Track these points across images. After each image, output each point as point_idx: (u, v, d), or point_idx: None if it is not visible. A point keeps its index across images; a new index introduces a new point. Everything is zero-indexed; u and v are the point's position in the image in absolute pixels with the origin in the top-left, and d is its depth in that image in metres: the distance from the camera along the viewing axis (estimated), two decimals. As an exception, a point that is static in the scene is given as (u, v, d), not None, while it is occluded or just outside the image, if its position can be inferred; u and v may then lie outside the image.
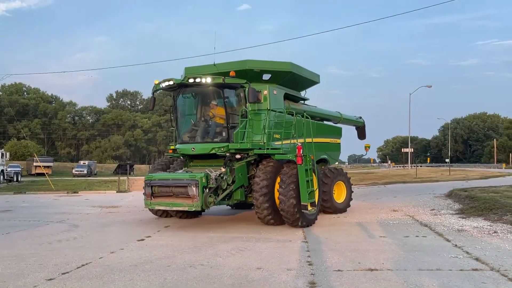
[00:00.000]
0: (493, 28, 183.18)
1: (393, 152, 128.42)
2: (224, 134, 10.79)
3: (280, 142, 11.08)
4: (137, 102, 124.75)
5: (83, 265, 6.82)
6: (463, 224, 10.34)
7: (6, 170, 36.33)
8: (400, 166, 78.38)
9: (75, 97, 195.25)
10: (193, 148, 10.97)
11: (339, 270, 6.32)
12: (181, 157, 11.92)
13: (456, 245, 8.00)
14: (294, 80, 12.56)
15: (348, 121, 17.13)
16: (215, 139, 10.89)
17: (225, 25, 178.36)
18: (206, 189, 9.82)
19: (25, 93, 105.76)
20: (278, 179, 10.53)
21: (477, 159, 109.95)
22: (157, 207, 10.87)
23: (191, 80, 10.48)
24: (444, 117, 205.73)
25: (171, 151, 12.02)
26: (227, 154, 10.66)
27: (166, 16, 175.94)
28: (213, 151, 10.62)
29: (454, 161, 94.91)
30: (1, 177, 34.38)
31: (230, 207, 14.25)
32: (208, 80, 10.39)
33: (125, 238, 9.42)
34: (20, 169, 40.47)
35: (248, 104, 10.94)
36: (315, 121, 13.81)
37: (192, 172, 10.50)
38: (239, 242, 8.68)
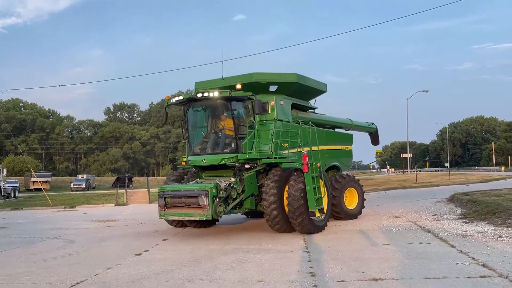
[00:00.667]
0: (488, 32, 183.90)
1: (392, 157, 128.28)
2: (233, 145, 11.06)
3: (287, 151, 11.25)
4: (135, 115, 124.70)
5: (77, 283, 6.60)
6: (466, 229, 10.15)
7: (4, 186, 35.99)
8: (399, 172, 78.21)
9: (73, 111, 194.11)
10: (204, 160, 11.22)
11: (342, 281, 6.12)
12: (194, 169, 12.14)
13: (461, 251, 7.80)
14: (300, 90, 12.71)
15: (359, 127, 17.28)
16: (225, 150, 11.14)
17: (221, 35, 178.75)
18: (216, 199, 10.06)
19: (22, 109, 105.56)
20: (287, 187, 10.68)
21: (476, 162, 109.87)
22: (170, 218, 11.15)
23: (199, 95, 10.89)
24: (441, 122, 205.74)
25: (184, 163, 12.17)
26: (237, 164, 10.91)
27: (162, 29, 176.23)
28: (223, 162, 10.90)
29: (453, 165, 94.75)
30: (-2, 193, 34.06)
31: (245, 216, 14.43)
32: (215, 93, 10.78)
33: (123, 253, 9.19)
34: (17, 185, 40.16)
35: (256, 115, 11.18)
36: (325, 129, 14.06)
37: (203, 182, 10.76)
38: (239, 254, 8.47)
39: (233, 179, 10.64)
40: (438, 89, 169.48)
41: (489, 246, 8.07)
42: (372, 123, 18.06)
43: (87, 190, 51.44)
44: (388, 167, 77.74)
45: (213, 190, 9.97)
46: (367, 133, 18.22)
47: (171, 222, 12.54)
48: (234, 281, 6.41)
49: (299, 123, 11.92)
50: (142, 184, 64.15)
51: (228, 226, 13.06)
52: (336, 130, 15.48)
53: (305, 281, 6.23)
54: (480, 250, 7.76)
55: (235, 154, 10.82)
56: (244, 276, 6.68)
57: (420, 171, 67.02)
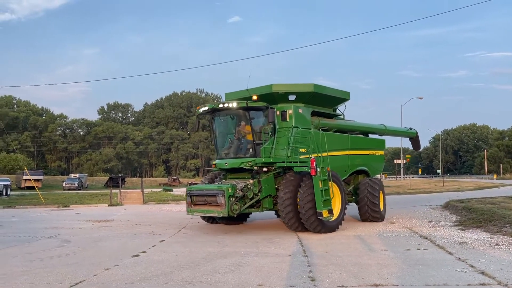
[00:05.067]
0: (482, 40, 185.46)
1: (385, 163, 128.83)
2: (251, 150, 12.16)
3: (307, 156, 11.80)
4: (129, 115, 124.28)
5: (76, 284, 6.54)
6: (463, 236, 10.22)
7: (-4, 184, 35.62)
8: (392, 177, 78.55)
9: (66, 110, 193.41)
10: (226, 163, 12.46)
11: (343, 286, 6.12)
12: (221, 171, 13.29)
13: (459, 258, 7.85)
14: (320, 99, 13.32)
15: (395, 132, 17.89)
16: (245, 155, 12.26)
17: (215, 37, 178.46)
18: (232, 198, 11.12)
19: (15, 106, 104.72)
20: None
21: (468, 170, 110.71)
22: (195, 214, 12.46)
23: (220, 105, 12.25)
24: (434, 129, 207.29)
25: (214, 166, 13.33)
26: (255, 167, 11.96)
27: (157, 30, 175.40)
28: (242, 165, 12.02)
29: (445, 172, 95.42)
30: (-10, 191, 33.70)
31: (276, 216, 15.11)
32: (234, 104, 12.00)
33: (119, 254, 9.13)
34: (9, 182, 39.70)
35: (277, 122, 12.23)
36: (350, 135, 14.66)
37: (223, 183, 11.95)
38: (238, 257, 8.46)
39: (251, 181, 11.74)
40: (431, 96, 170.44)
41: (486, 254, 8.13)
42: (411, 128, 18.33)
43: (80, 189, 51.03)
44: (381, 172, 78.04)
45: (229, 190, 11.05)
46: (408, 138, 18.89)
47: (203, 219, 13.80)
48: (234, 284, 6.39)
49: (328, 130, 12.92)
50: (134, 184, 63.87)
51: (224, 230, 13.02)
52: (368, 135, 16.08)
53: (305, 285, 6.23)
54: (478, 257, 7.81)
55: (253, 159, 11.92)
56: (243, 279, 6.67)
57: (413, 177, 67.35)
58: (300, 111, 12.78)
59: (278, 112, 12.46)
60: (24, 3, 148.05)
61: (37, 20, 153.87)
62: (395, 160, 59.87)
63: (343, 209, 12.17)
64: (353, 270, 7.06)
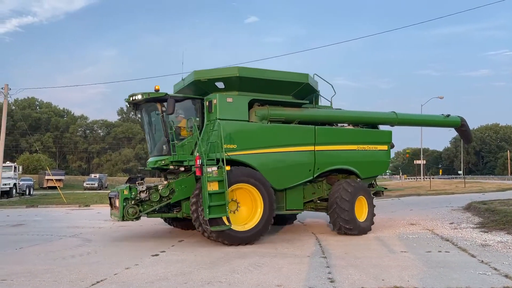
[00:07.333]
0: (504, 38, 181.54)
1: (404, 163, 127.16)
2: (164, 147, 11.14)
3: (235, 153, 10.38)
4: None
5: (98, 282, 6.65)
6: (486, 239, 10.02)
7: (19, 183, 36.47)
8: (412, 178, 77.54)
9: (86, 110, 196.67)
10: (148, 162, 11.84)
11: (363, 288, 6.07)
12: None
13: (482, 261, 7.70)
14: (259, 85, 11.18)
15: (420, 122, 14.63)
16: (162, 153, 11.27)
17: (233, 37, 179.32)
18: (130, 201, 10.44)
19: (37, 107, 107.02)
20: None
21: (490, 171, 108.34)
22: (112, 217, 11.48)
23: (131, 99, 11.27)
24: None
25: None
26: (171, 166, 10.93)
27: (175, 31, 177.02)
28: (157, 165, 11.20)
29: (466, 173, 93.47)
30: (14, 190, 34.48)
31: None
32: (138, 96, 11.03)
33: (139, 253, 9.23)
34: (32, 182, 40.64)
35: (205, 115, 10.91)
36: (318, 126, 11.75)
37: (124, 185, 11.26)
38: (256, 257, 8.46)
39: (165, 182, 10.93)
40: (452, 96, 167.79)
41: (510, 257, 7.97)
42: (448, 115, 14.36)
43: (100, 189, 51.87)
44: (401, 173, 77.09)
45: (125, 193, 10.42)
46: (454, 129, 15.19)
47: (165, 220, 13.04)
48: (253, 284, 6.40)
49: (287, 122, 11.23)
50: (153, 184, 64.46)
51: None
52: (353, 127, 12.83)
53: (324, 287, 6.21)
54: (502, 260, 7.66)
55: (168, 156, 10.82)
56: (262, 279, 6.67)
57: (433, 178, 66.30)
58: (229, 100, 10.75)
59: (207, 103, 10.89)
60: (45, 6, 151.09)
61: (58, 23, 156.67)
62: (415, 161, 58.99)
63: (265, 218, 10.21)
64: (373, 272, 6.99)
